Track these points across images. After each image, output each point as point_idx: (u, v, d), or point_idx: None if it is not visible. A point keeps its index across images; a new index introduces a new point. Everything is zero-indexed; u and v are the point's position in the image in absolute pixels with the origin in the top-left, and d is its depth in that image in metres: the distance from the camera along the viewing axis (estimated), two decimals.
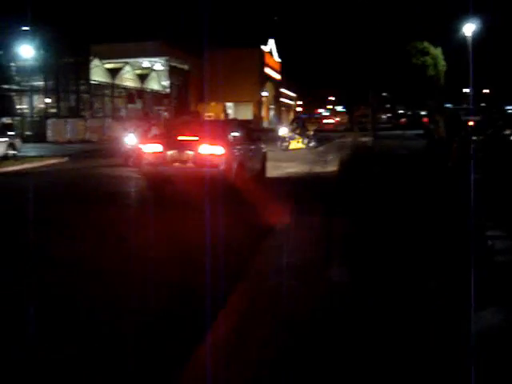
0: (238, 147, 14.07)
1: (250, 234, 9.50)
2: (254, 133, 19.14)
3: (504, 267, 6.65)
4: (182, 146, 13.13)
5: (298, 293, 6.00)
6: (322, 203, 11.72)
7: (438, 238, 7.84)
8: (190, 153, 12.87)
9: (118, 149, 22.89)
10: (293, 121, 37.79)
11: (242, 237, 9.37)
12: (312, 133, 32.15)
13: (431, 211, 9.64)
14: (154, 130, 21.72)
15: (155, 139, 14.71)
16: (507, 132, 23.89)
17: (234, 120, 21.40)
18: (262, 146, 17.07)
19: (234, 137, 14.33)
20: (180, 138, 13.70)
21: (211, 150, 12.84)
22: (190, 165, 12.88)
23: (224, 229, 9.28)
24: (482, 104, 70.21)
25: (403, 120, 61.03)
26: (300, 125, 32.69)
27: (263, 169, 16.77)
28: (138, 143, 19.15)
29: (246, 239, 9.16)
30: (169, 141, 13.63)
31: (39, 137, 39.12)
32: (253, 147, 15.65)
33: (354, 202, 11.58)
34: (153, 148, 13.42)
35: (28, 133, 40.72)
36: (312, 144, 30.92)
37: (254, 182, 14.64)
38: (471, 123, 28.43)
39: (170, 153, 13.05)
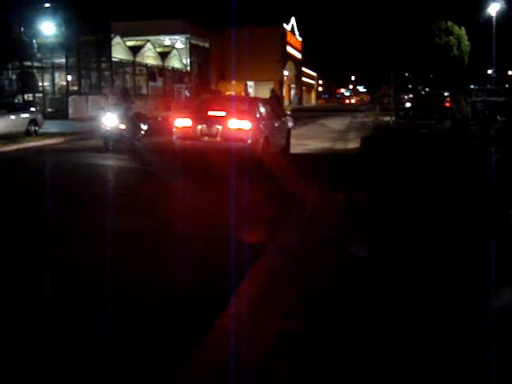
0: (265, 123, 14.58)
1: (276, 208, 9.71)
2: (280, 109, 19.35)
3: None
4: (211, 120, 13.66)
5: (320, 265, 6.02)
6: (345, 178, 12.09)
7: (460, 217, 7.80)
8: (219, 127, 13.40)
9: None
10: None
11: (269, 210, 9.59)
12: (289, 113, 32.36)
13: (453, 190, 9.58)
14: (133, 109, 21.34)
15: (186, 114, 15.17)
16: None
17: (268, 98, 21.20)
18: (288, 122, 17.64)
19: (261, 112, 14.77)
20: (209, 112, 14.20)
21: (239, 125, 13.38)
22: (218, 139, 13.43)
23: (253, 202, 9.75)
24: (506, 85, 69.32)
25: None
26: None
27: (288, 144, 17.33)
28: (118, 124, 18.70)
29: (273, 212, 9.39)
30: (198, 115, 14.19)
31: (61, 113, 39.26)
32: (278, 123, 16.17)
33: (375, 177, 11.62)
34: (183, 122, 14.02)
35: (50, 109, 40.86)
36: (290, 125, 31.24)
37: (280, 156, 15.42)
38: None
39: (199, 127, 13.62)
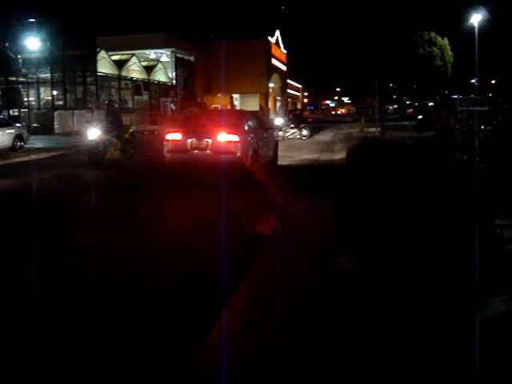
0: (253, 135, 14.88)
1: (264, 219, 9.99)
2: (267, 122, 19.57)
3: None
4: (201, 134, 13.90)
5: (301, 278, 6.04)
6: (331, 189, 12.43)
7: (447, 227, 7.85)
8: (209, 140, 13.68)
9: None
10: (289, 112, 39.57)
11: (257, 221, 9.80)
12: (304, 124, 32.96)
13: (440, 200, 9.64)
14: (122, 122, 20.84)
15: (176, 128, 15.25)
16: None
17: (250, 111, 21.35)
18: (275, 134, 18.03)
19: (249, 126, 15.10)
20: (199, 126, 14.56)
21: (228, 138, 13.64)
22: (208, 152, 13.70)
23: (241, 215, 10.04)
24: (490, 94, 69.89)
25: (410, 111, 60.86)
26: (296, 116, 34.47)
27: (275, 156, 17.67)
28: (103, 137, 18.35)
29: (261, 223, 9.64)
30: (188, 129, 14.50)
31: (46, 128, 39.18)
32: (266, 136, 16.50)
33: (361, 188, 11.72)
34: (173, 136, 14.30)
35: (35, 124, 40.79)
36: (305, 133, 31.86)
37: (268, 168, 15.75)
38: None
39: (189, 141, 13.87)
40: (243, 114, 16.60)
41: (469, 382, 3.86)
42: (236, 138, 13.69)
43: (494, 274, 5.92)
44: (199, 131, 14.13)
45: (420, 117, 34.33)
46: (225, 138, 13.70)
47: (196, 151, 13.84)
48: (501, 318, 4.85)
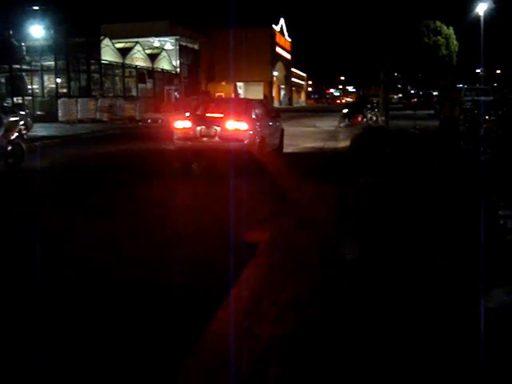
0: (260, 124, 15.19)
1: (270, 205, 10.15)
2: (274, 111, 20.12)
3: None
4: (210, 122, 14.28)
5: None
6: (336, 176, 12.77)
7: (450, 217, 7.84)
8: (218, 128, 13.98)
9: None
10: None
11: (263, 207, 10.01)
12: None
13: (443, 189, 9.63)
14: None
15: (185, 116, 15.68)
16: None
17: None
18: (280, 123, 18.23)
19: (257, 114, 15.38)
20: (208, 114, 15.07)
21: (237, 126, 14.03)
22: (217, 139, 14.01)
23: (250, 198, 10.34)
24: (495, 84, 69.61)
25: (414, 100, 60.72)
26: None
27: (281, 144, 17.92)
28: None
29: (267, 209, 9.84)
30: (197, 117, 14.92)
31: (50, 116, 39.14)
32: (272, 124, 16.80)
33: (365, 177, 11.79)
34: (183, 124, 14.58)
35: (39, 112, 40.79)
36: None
37: (274, 155, 16.16)
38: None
39: (198, 128, 14.15)
40: (251, 103, 16.94)
41: (471, 374, 3.86)
42: (244, 125, 14.04)
43: (497, 265, 5.91)
44: (208, 119, 14.55)
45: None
46: (233, 125, 14.03)
47: (205, 138, 14.10)
48: (503, 309, 4.85)
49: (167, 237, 8.04)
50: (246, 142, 13.91)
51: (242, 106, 15.71)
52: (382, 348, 4.22)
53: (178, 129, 14.70)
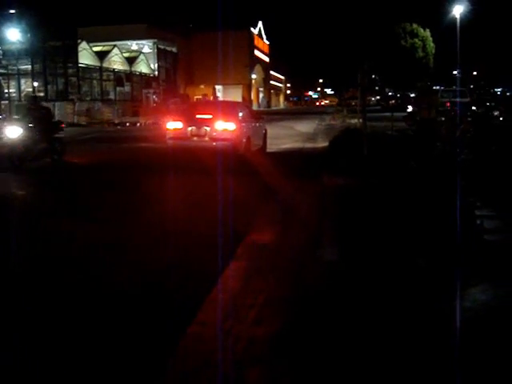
0: (246, 124, 16.25)
1: (253, 202, 10.62)
2: (258, 112, 20.64)
3: (492, 246, 6.72)
4: (200, 122, 15.12)
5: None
6: (315, 174, 13.20)
7: (427, 217, 7.90)
8: (207, 128, 14.91)
9: None
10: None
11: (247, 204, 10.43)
12: None
13: (420, 191, 9.70)
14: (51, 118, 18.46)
15: (176, 117, 16.49)
16: (495, 113, 23.99)
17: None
18: (264, 124, 19.30)
19: (243, 115, 16.41)
20: (198, 115, 15.66)
21: (225, 126, 14.91)
22: (206, 139, 14.93)
23: (235, 194, 10.90)
24: (471, 86, 70.29)
25: (392, 102, 61.17)
26: None
27: (265, 144, 19.04)
28: (22, 135, 15.75)
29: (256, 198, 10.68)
30: (188, 118, 15.57)
31: None
32: (257, 125, 17.80)
33: (343, 178, 11.94)
34: (175, 125, 15.47)
35: (16, 116, 40.42)
36: None
37: (259, 154, 17.11)
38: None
39: (189, 129, 15.06)
40: (237, 105, 18.53)
41: (448, 372, 3.90)
42: (232, 126, 14.94)
43: (474, 265, 5.97)
44: (198, 120, 15.27)
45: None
46: (222, 126, 14.89)
47: (195, 138, 14.98)
48: (480, 308, 4.90)
49: (153, 233, 8.11)
50: (233, 141, 14.75)
51: (230, 108, 16.70)
52: (361, 347, 4.25)
53: (169, 129, 15.55)
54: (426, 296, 5.27)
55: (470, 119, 19.43)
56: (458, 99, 36.01)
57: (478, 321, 4.67)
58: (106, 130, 34.36)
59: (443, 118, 19.13)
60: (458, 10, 45.41)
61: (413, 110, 33.42)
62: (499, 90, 65.35)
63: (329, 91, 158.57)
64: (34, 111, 16.99)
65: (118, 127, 38.19)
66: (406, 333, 4.49)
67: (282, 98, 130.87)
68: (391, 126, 25.28)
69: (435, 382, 3.83)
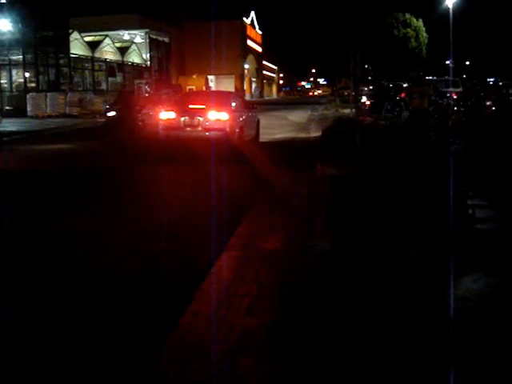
0: (239, 114, 16.29)
1: (246, 190, 10.74)
2: (251, 102, 21.58)
3: (484, 235, 6.75)
4: (193, 113, 15.17)
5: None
6: (308, 164, 13.27)
7: (419, 207, 7.93)
8: (200, 118, 14.94)
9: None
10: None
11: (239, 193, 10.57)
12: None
13: (412, 181, 9.73)
14: None
15: (169, 107, 16.56)
16: (488, 103, 24.02)
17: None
18: (257, 114, 19.28)
19: (236, 105, 16.46)
20: (191, 106, 15.71)
21: (218, 116, 14.97)
22: (200, 129, 14.98)
23: (229, 183, 11.11)
24: (464, 76, 70.34)
25: (348, 91, 61.27)
26: None
27: (257, 133, 19.15)
28: None
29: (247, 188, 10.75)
30: (181, 108, 15.64)
31: (19, 111, 38.63)
32: (250, 115, 17.81)
33: (336, 168, 11.97)
34: (167, 115, 15.51)
35: (7, 107, 40.26)
36: None
37: (252, 144, 17.29)
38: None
39: (182, 119, 15.09)
40: (230, 95, 18.56)
41: (440, 361, 3.92)
42: (225, 115, 14.98)
43: (466, 254, 6.00)
44: (191, 110, 15.33)
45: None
46: (215, 116, 14.95)
47: (188, 128, 15.03)
48: (471, 297, 4.93)
49: (143, 223, 8.12)
50: (226, 131, 14.82)
51: (223, 98, 16.77)
52: (354, 338, 4.27)
53: (163, 119, 15.56)
54: (418, 285, 5.29)
55: (462, 109, 19.46)
56: (450, 89, 36.08)
57: (471, 310, 4.70)
58: (97, 121, 34.21)
59: (431, 108, 19.16)
60: (450, 0, 45.35)
61: (374, 101, 33.80)
62: (492, 79, 65.44)
63: (322, 81, 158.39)
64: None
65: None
66: (398, 322, 4.52)
67: (274, 88, 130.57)
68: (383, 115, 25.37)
69: (429, 371, 3.85)
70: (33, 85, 43.18)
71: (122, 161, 15.55)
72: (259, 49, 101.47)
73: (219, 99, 16.51)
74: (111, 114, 24.21)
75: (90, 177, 12.96)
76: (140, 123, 23.91)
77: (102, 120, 25.45)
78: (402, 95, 37.12)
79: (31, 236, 7.79)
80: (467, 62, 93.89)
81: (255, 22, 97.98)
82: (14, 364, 4.17)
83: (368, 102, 35.95)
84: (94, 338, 4.57)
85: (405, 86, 46.99)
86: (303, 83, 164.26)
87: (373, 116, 29.10)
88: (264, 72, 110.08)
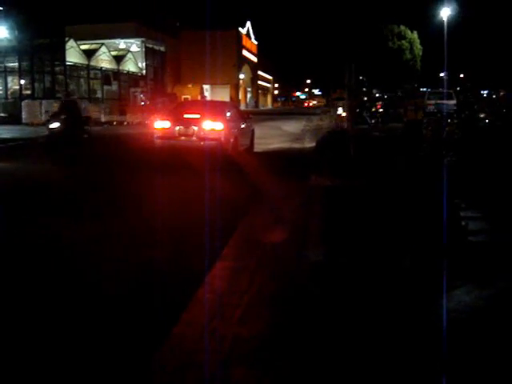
0: (234, 124, 16.27)
1: (241, 201, 10.59)
2: (245, 113, 21.39)
3: (476, 247, 6.78)
4: (188, 122, 15.19)
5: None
6: (301, 174, 13.30)
7: (412, 219, 7.95)
8: (195, 128, 14.95)
9: None
10: None
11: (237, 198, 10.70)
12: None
13: (406, 192, 9.75)
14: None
15: (164, 116, 16.61)
16: (482, 115, 24.15)
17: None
18: (251, 124, 19.37)
19: (231, 115, 16.50)
20: (186, 115, 15.74)
21: (213, 126, 14.97)
22: (194, 138, 14.96)
23: (223, 193, 11.02)
24: (458, 88, 70.64)
25: (314, 103, 61.47)
26: None
27: (252, 143, 19.13)
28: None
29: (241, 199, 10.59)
30: (176, 118, 15.64)
31: (14, 118, 38.63)
32: (244, 125, 17.85)
33: (330, 179, 12.00)
34: (162, 124, 15.49)
35: (2, 114, 40.25)
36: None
37: (246, 154, 17.35)
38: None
39: (177, 128, 15.09)
40: (225, 105, 18.93)
41: (433, 374, 3.94)
42: (220, 125, 14.97)
43: (459, 266, 6.02)
44: (186, 120, 15.35)
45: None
46: (210, 125, 14.94)
47: (183, 138, 15.01)
48: (464, 309, 4.94)
49: (138, 232, 8.11)
50: (221, 140, 14.79)
51: (218, 108, 16.90)
52: (346, 348, 4.28)
53: (157, 129, 15.57)
54: (411, 297, 5.30)
55: (456, 121, 19.55)
56: (444, 101, 36.24)
57: (463, 321, 4.71)
58: (92, 129, 34.19)
59: (425, 120, 19.30)
60: (445, 13, 45.66)
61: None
62: (485, 92, 65.81)
63: (316, 92, 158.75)
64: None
65: (105, 126, 38.06)
66: (391, 333, 4.53)
67: (269, 99, 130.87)
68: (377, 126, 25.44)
69: (421, 381, 3.87)
70: (28, 92, 43.21)
71: (116, 170, 15.49)
72: (254, 59, 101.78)
73: (214, 109, 16.53)
74: (54, 125, 22.40)
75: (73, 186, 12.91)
76: (86, 136, 23.36)
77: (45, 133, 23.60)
78: (378, 107, 37.77)
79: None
80: (461, 75, 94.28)
81: (251, 32, 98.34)
82: None
83: (344, 114, 36.48)
84: (85, 347, 4.56)
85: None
86: (298, 93, 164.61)
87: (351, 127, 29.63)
88: (259, 82, 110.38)
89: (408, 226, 7.63)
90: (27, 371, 4.17)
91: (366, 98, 39.58)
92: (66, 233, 8.24)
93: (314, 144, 21.61)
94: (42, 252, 7.25)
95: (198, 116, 15.43)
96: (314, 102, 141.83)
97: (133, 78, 59.41)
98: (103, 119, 41.12)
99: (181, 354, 4.20)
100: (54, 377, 4.10)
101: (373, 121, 30.58)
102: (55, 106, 30.67)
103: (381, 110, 37.45)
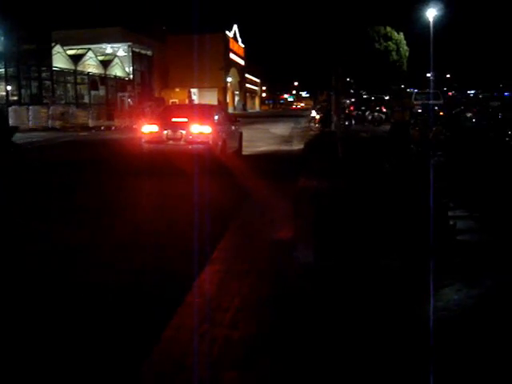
0: (222, 127, 16.20)
1: (228, 204, 10.63)
2: (233, 116, 21.56)
3: (465, 246, 6.81)
4: (176, 126, 15.12)
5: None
6: (290, 176, 13.35)
7: (401, 219, 7.97)
8: (183, 132, 14.88)
9: None
10: None
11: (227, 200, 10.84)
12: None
13: (393, 192, 9.77)
14: None
15: (152, 121, 16.71)
16: (468, 115, 24.28)
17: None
18: (239, 127, 19.33)
19: (219, 118, 16.43)
20: (173, 119, 15.69)
21: (201, 129, 14.94)
22: (182, 142, 14.90)
23: (210, 196, 10.94)
24: (444, 88, 70.99)
25: (352, 106, 61.94)
26: None
27: (240, 146, 19.07)
28: None
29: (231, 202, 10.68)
30: (164, 122, 15.59)
31: (0, 124, 38.35)
32: (233, 128, 17.89)
33: (318, 181, 12.02)
34: (150, 128, 15.47)
35: None
36: None
37: (235, 157, 17.34)
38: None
39: (165, 132, 15.02)
40: (213, 108, 18.67)
41: (422, 373, 3.95)
42: (208, 129, 14.93)
43: (447, 265, 6.05)
44: (174, 123, 15.29)
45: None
46: (198, 129, 14.92)
47: (171, 141, 14.96)
48: (453, 308, 4.96)
49: (127, 237, 8.08)
50: (209, 144, 14.77)
51: (206, 111, 16.78)
52: (336, 350, 4.28)
53: (145, 133, 15.51)
54: (399, 296, 5.32)
55: (442, 121, 19.63)
56: (431, 101, 36.41)
57: (452, 320, 4.73)
58: (80, 134, 34.12)
59: (412, 121, 19.37)
60: (431, 14, 45.87)
61: (324, 115, 34.93)
62: (472, 92, 66.18)
63: (304, 94, 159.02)
64: None
65: (93, 131, 37.95)
66: (382, 334, 4.54)
67: (257, 101, 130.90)
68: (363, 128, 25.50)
69: (411, 379, 3.88)
70: (15, 98, 43.00)
71: (102, 174, 15.45)
72: (242, 62, 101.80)
73: (202, 112, 16.47)
74: None
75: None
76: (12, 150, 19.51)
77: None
78: (351, 108, 38.26)
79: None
80: (448, 75, 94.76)
81: (238, 36, 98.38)
82: None
83: (318, 117, 37.02)
84: (76, 352, 4.54)
85: (386, 98, 47.36)
86: (286, 96, 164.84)
87: (321, 128, 30.24)
88: (247, 85, 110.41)
89: (396, 226, 7.64)
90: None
91: (348, 101, 39.94)
92: (55, 236, 8.22)
93: (302, 146, 21.70)
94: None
95: (185, 120, 15.40)
96: (302, 105, 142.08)
97: (120, 83, 59.30)
98: (91, 124, 41.03)
99: (171, 358, 4.20)
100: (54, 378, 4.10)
101: (346, 123, 30.90)
102: None
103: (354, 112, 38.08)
